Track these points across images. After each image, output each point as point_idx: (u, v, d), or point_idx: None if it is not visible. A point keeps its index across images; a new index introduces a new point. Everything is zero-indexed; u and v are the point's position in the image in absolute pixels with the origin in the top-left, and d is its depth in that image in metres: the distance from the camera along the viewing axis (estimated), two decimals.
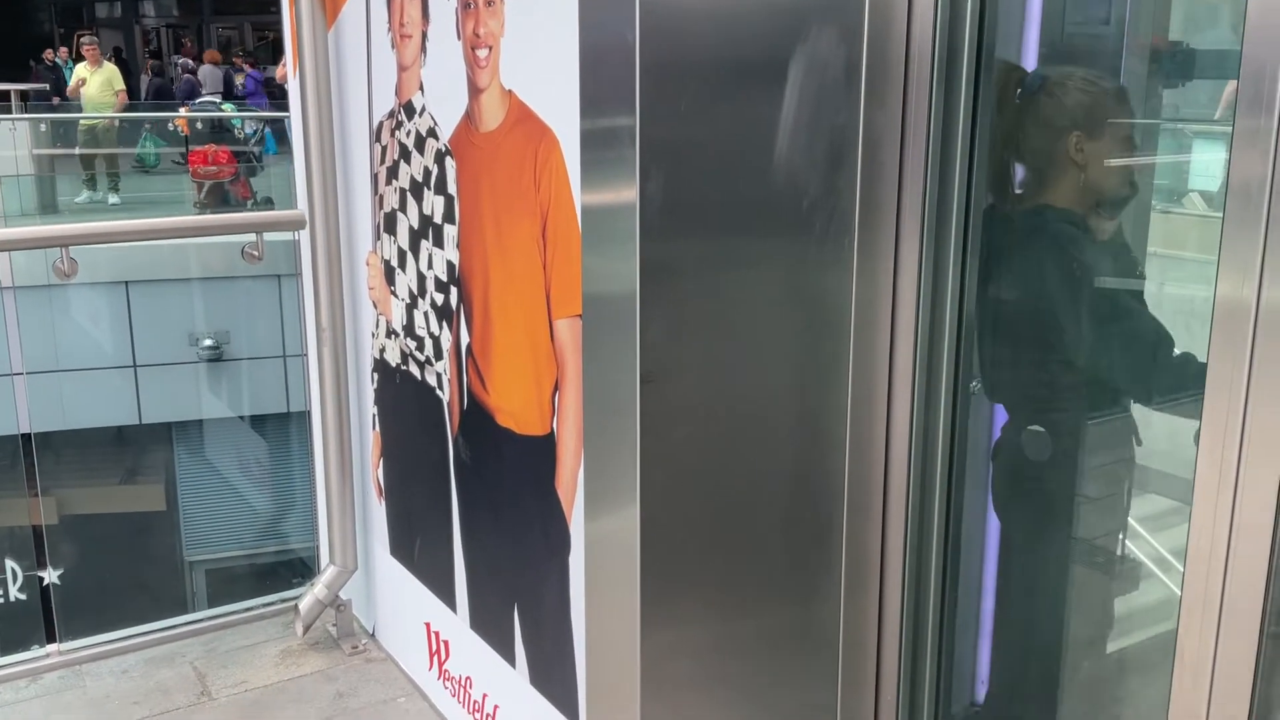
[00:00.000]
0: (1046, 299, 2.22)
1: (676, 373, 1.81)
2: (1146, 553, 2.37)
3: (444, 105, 2.48)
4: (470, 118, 2.37)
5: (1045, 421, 2.18)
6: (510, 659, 2.51)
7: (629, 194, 1.73)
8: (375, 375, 3.07)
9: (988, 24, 1.89)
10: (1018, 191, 2.16)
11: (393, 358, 2.92)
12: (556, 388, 2.17)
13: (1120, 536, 2.33)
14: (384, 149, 2.81)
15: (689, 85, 1.74)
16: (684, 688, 1.93)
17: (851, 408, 1.98)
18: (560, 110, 2.08)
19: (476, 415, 2.49)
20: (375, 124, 2.85)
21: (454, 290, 2.52)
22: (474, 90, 2.34)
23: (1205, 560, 1.57)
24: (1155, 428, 2.26)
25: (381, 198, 2.85)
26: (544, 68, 2.12)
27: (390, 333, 2.91)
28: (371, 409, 3.13)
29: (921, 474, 2.03)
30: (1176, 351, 2.03)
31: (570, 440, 2.15)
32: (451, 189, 2.47)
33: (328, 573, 3.32)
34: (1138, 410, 2.21)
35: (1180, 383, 1.97)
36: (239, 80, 16.25)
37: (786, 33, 1.80)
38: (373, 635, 3.40)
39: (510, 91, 2.23)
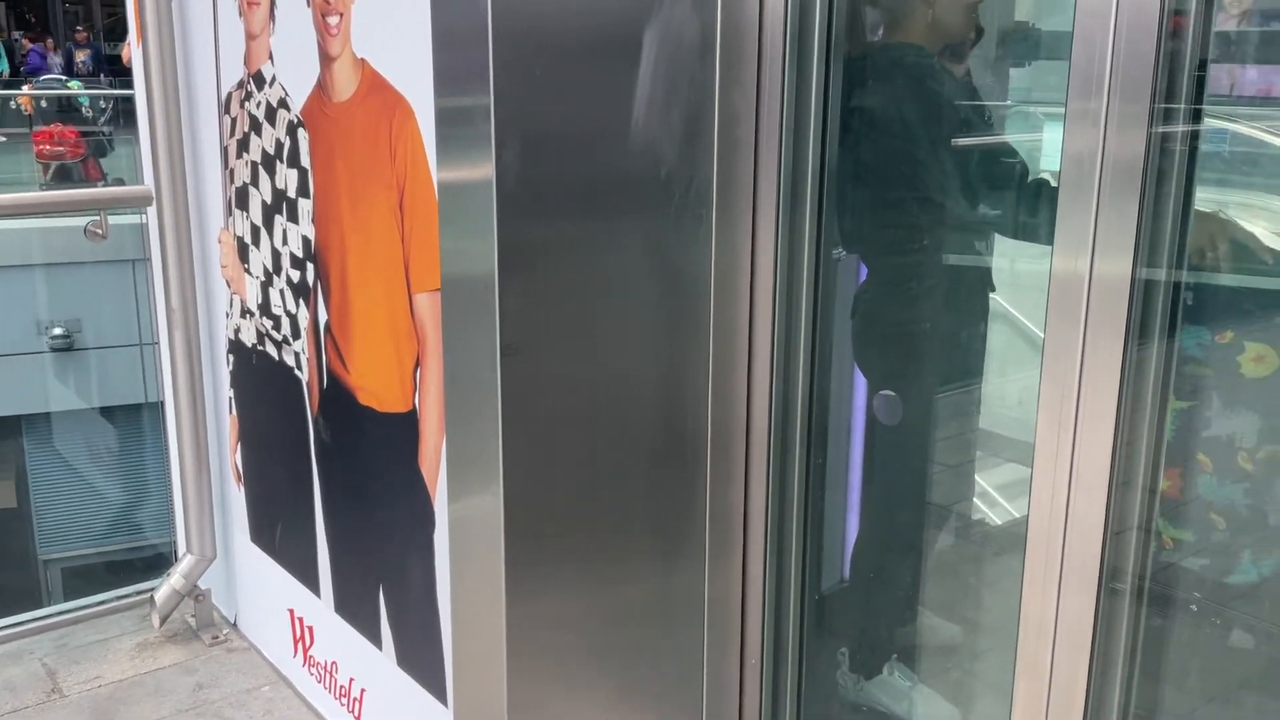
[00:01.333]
0: (902, 280, 2.28)
1: (538, 345, 1.80)
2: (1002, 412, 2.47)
3: (295, 75, 2.40)
4: (323, 87, 2.30)
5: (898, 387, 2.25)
6: (376, 641, 2.47)
7: (485, 170, 1.71)
8: (231, 357, 2.97)
9: None
10: (873, 153, 2.21)
11: (248, 338, 2.83)
12: (418, 364, 2.13)
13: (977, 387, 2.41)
14: (234, 121, 2.71)
15: (544, 60, 1.73)
16: (552, 660, 1.93)
17: (713, 374, 2.00)
18: (414, 79, 2.03)
19: (336, 394, 2.43)
20: (224, 95, 2.74)
21: (310, 266, 2.45)
22: (325, 59, 2.27)
23: (1046, 521, 1.64)
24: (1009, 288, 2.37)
25: (232, 172, 2.75)
26: (397, 36, 2.07)
27: (245, 312, 2.82)
28: (228, 392, 3.03)
29: (782, 436, 2.07)
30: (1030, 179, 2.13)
31: (432, 416, 2.11)
32: (305, 162, 2.40)
33: (185, 562, 3.21)
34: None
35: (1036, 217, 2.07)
36: (79, 57, 15.48)
37: (640, 7, 1.79)
38: (234, 625, 3.30)
39: (363, 60, 2.17)
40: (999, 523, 2.59)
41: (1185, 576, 2.03)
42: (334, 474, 2.53)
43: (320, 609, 2.71)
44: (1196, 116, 1.56)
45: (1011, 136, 2.43)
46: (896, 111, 2.14)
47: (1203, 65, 1.53)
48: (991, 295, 2.35)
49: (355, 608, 2.55)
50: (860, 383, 2.33)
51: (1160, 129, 1.48)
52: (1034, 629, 1.69)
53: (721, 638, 2.12)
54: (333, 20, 2.22)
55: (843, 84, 2.00)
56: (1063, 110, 1.54)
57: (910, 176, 2.18)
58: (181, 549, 3.27)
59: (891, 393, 2.22)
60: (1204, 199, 2.11)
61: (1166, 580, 2.01)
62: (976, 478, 2.68)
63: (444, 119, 1.83)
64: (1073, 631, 1.65)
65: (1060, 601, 1.66)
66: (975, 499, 2.64)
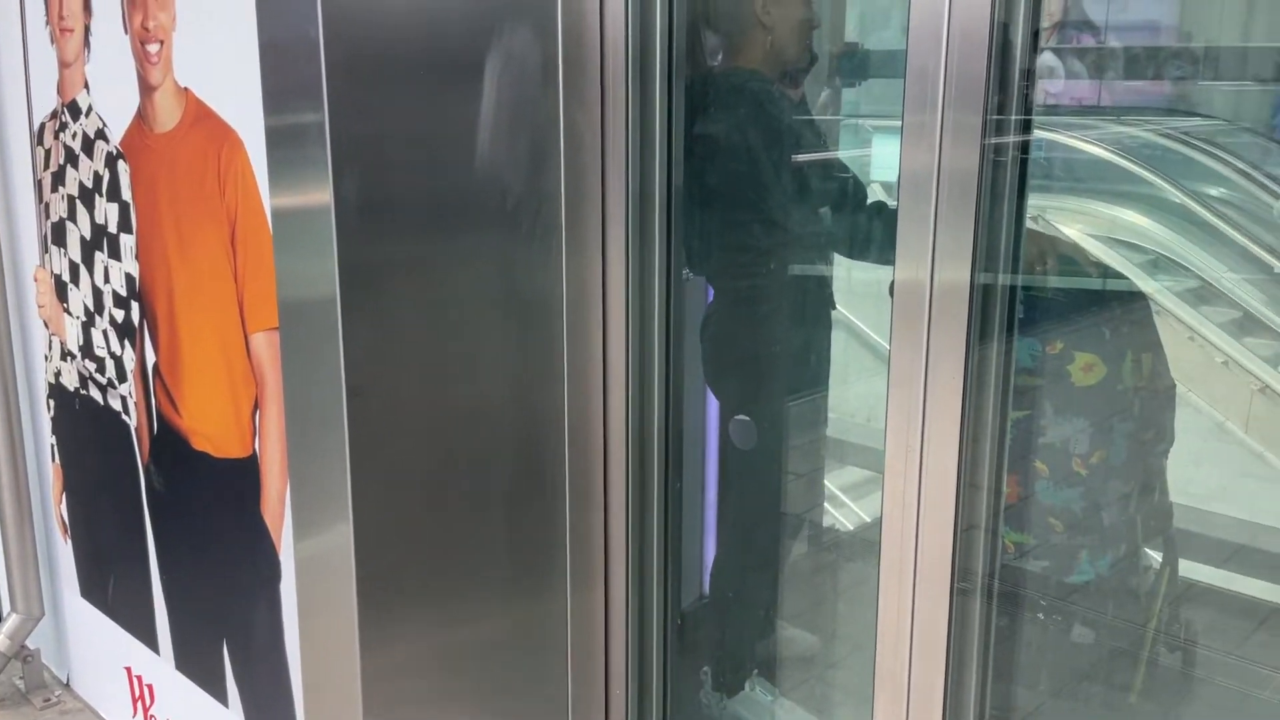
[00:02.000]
0: (751, 293, 2.31)
1: (386, 380, 1.74)
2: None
3: (113, 104, 2.27)
4: (143, 118, 2.18)
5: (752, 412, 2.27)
6: (222, 698, 2.34)
7: (322, 195, 1.64)
8: (51, 402, 2.78)
9: (677, 15, 1.93)
10: (715, 177, 2.23)
11: (70, 381, 2.65)
12: (256, 406, 2.03)
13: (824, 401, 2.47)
14: (48, 153, 2.54)
15: (381, 81, 1.67)
16: (411, 706, 1.86)
17: (569, 402, 1.98)
18: (243, 109, 1.94)
19: (169, 440, 2.30)
20: (37, 126, 2.58)
21: (135, 305, 2.32)
22: (146, 88, 2.16)
23: (899, 528, 1.67)
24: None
25: (48, 206, 2.59)
26: (222, 63, 1.98)
27: (65, 354, 2.65)
28: (49, 439, 2.84)
29: (640, 459, 2.06)
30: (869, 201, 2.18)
31: (274, 461, 2.02)
32: (126, 195, 2.27)
33: (10, 621, 2.99)
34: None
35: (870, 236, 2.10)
36: None
37: (480, 29, 1.76)
38: (67, 685, 3.09)
39: (186, 89, 2.07)
40: (854, 533, 2.64)
41: (1030, 578, 2.11)
42: (169, 524, 2.39)
43: (160, 666, 2.56)
44: (1026, 127, 1.63)
45: (849, 154, 2.50)
46: (736, 135, 2.17)
47: (1029, 77, 1.60)
48: (834, 312, 2.40)
49: (197, 664, 2.41)
50: (714, 401, 2.35)
51: (993, 140, 1.53)
52: (891, 634, 1.72)
53: (585, 667, 2.09)
54: (153, 48, 2.11)
55: (685, 108, 2.02)
56: (899, 125, 1.59)
57: (750, 199, 2.21)
58: (5, 608, 3.05)
59: (745, 417, 2.24)
60: (1036, 206, 2.21)
61: (1015, 582, 2.08)
62: (830, 490, 2.73)
63: (275, 140, 1.75)
64: (928, 636, 1.69)
65: (915, 607, 1.69)
66: (829, 512, 2.69)
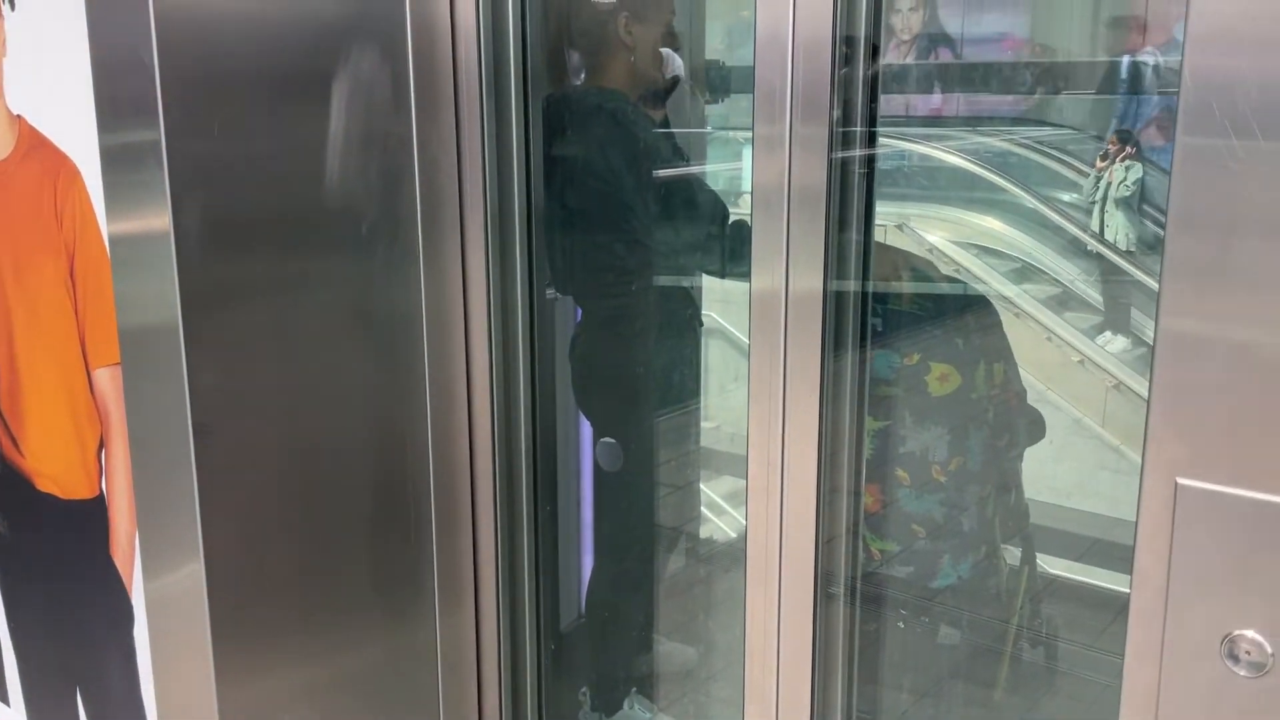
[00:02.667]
0: (617, 311, 2.31)
1: (236, 413, 1.68)
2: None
3: None
4: None
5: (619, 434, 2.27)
6: None
7: (160, 220, 1.58)
8: None
9: (531, 35, 1.92)
10: (576, 196, 2.23)
11: None
12: (102, 445, 1.95)
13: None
14: None
15: (220, 101, 1.62)
16: None
17: (432, 426, 1.94)
18: (80, 136, 1.86)
19: (11, 482, 2.19)
20: None
21: None
22: None
23: (763, 539, 1.68)
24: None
25: None
26: (57, 90, 1.89)
27: None
28: None
29: (508, 481, 2.04)
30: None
31: (123, 501, 1.94)
32: None
33: None
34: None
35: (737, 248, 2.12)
36: None
37: (324, 48, 1.72)
38: None
39: (19, 117, 1.97)
40: (731, 543, 2.66)
41: (895, 585, 2.15)
42: (14, 568, 2.28)
43: (11, 718, 2.43)
44: (872, 138, 1.66)
45: (716, 169, 2.53)
46: (596, 154, 2.17)
47: (875, 88, 1.63)
48: (707, 325, 2.42)
49: (51, 715, 2.30)
50: (585, 421, 2.34)
51: (840, 152, 1.55)
52: (758, 647, 1.73)
53: (457, 692, 2.05)
54: None
55: (544, 128, 2.01)
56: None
57: (612, 217, 2.21)
58: None
59: (611, 440, 2.23)
60: (887, 214, 2.25)
61: (880, 589, 2.12)
62: (712, 499, 2.75)
63: (111, 164, 1.68)
64: (793, 646, 1.70)
65: (781, 618, 1.71)
66: (709, 523, 2.71)
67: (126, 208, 1.67)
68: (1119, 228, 3.40)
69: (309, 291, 1.77)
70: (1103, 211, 3.42)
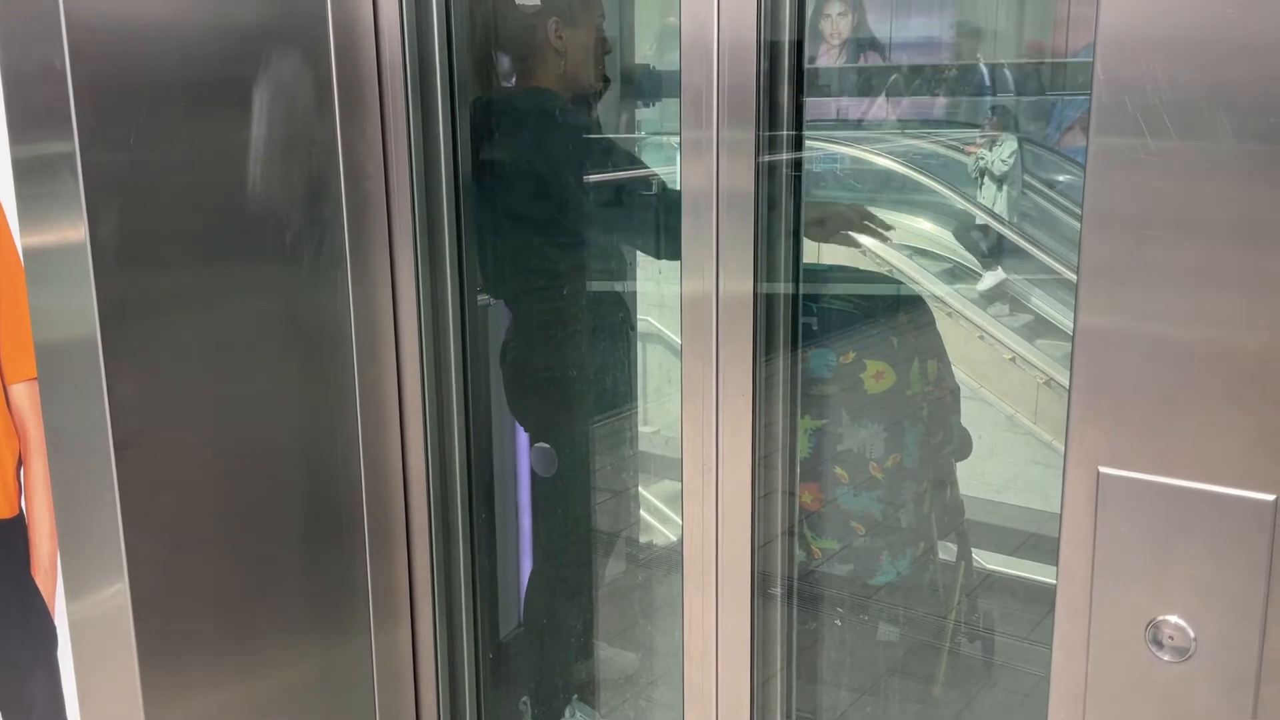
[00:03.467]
0: (547, 316, 2.30)
1: (159, 427, 1.64)
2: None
3: None
4: None
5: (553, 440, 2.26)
6: None
7: (76, 232, 1.54)
8: None
9: (457, 39, 1.91)
10: (506, 200, 2.22)
11: None
12: (20, 463, 1.89)
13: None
14: None
15: (139, 110, 1.58)
16: None
17: (364, 436, 1.92)
18: None
19: None
20: None
21: None
22: None
23: (699, 545, 1.68)
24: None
25: None
26: None
27: None
28: None
29: (442, 492, 2.02)
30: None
31: (44, 520, 1.89)
32: None
33: None
34: None
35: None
36: None
37: (243, 55, 1.69)
38: None
39: None
40: (664, 550, 2.66)
41: (835, 582, 2.16)
42: None
43: None
44: (798, 142, 1.67)
45: (648, 173, 2.52)
46: (525, 157, 2.16)
47: (800, 92, 1.64)
48: (634, 334, 2.41)
49: None
50: (520, 428, 2.32)
51: (767, 156, 1.56)
52: (697, 649, 1.73)
53: (394, 707, 2.03)
54: None
55: (472, 132, 1.99)
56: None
57: (542, 221, 2.20)
58: None
59: (546, 445, 2.22)
60: (815, 218, 2.26)
61: (820, 588, 2.13)
62: (652, 503, 2.74)
63: (23, 175, 1.63)
64: (732, 648, 1.70)
65: (719, 621, 1.71)
66: (648, 527, 2.70)
67: (41, 220, 1.63)
68: (998, 200, 3.52)
69: (232, 302, 1.73)
70: (980, 187, 3.53)
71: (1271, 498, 0.93)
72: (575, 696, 2.38)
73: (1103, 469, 1.00)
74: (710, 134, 1.56)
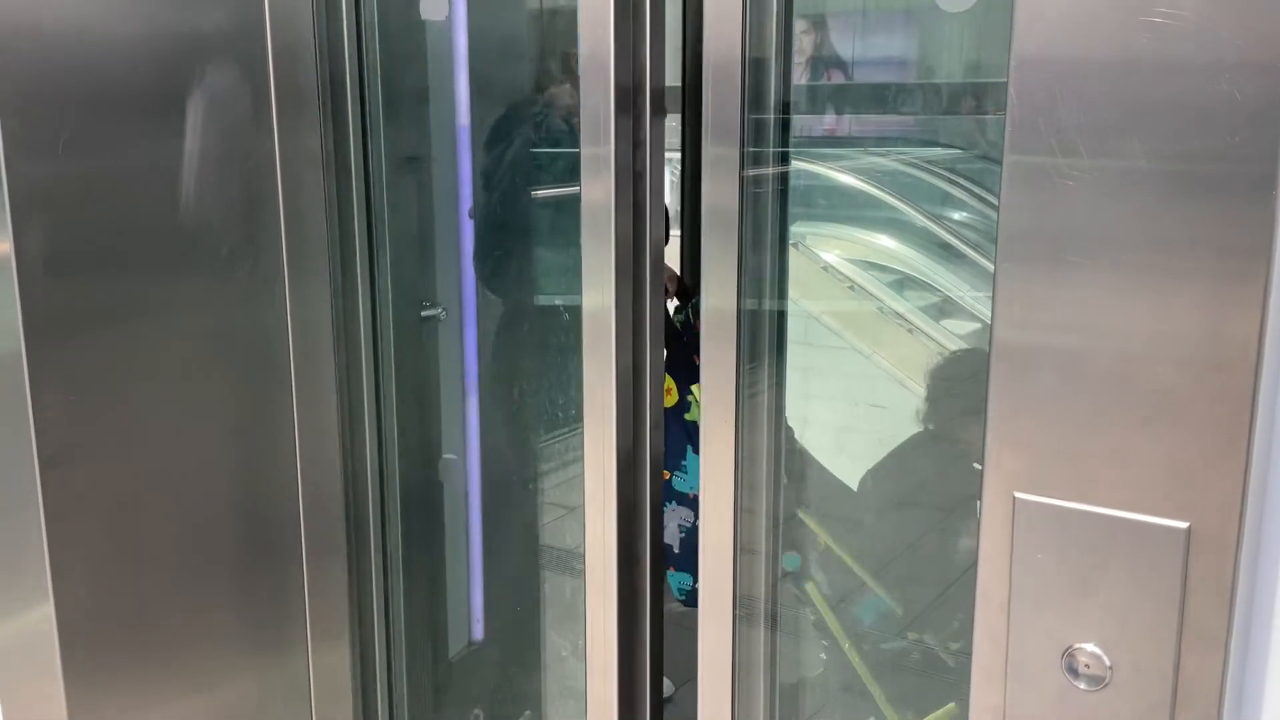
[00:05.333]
0: (500, 325, 2.28)
1: (88, 442, 1.61)
2: None
3: None
4: None
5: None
6: None
7: (0, 245, 1.51)
8: None
9: (396, 46, 1.89)
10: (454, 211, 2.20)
11: None
12: None
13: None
14: None
15: (68, 122, 1.55)
16: None
17: (301, 454, 1.89)
18: None
19: None
20: None
21: None
22: None
23: (600, 553, 1.67)
24: None
25: None
26: None
27: None
28: None
29: (382, 508, 1.99)
30: None
31: None
32: None
33: None
34: None
35: None
36: None
37: (175, 66, 1.66)
38: None
39: None
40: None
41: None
42: None
43: None
44: (784, 158, 1.64)
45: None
46: (484, 166, 2.14)
47: (785, 109, 1.61)
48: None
49: None
50: (473, 444, 2.30)
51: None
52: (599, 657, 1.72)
53: None
54: None
55: (419, 143, 1.98)
56: None
57: (491, 231, 2.18)
58: None
59: (452, 456, 2.19)
60: (795, 232, 2.25)
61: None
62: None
63: None
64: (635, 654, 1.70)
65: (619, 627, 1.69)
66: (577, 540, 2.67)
67: None
68: None
69: (165, 316, 1.70)
70: None
71: (1185, 525, 0.92)
72: (528, 711, 2.36)
73: (1019, 494, 0.98)
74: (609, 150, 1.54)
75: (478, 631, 2.33)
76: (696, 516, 2.46)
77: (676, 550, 2.44)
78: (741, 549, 1.59)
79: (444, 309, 2.19)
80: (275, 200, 1.80)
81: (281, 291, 1.83)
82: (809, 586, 2.01)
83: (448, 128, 2.13)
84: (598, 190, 1.51)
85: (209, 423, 1.77)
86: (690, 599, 2.47)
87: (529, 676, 2.41)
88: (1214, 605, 0.92)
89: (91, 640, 1.64)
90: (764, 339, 1.66)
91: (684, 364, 2.69)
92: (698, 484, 2.43)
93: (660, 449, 1.70)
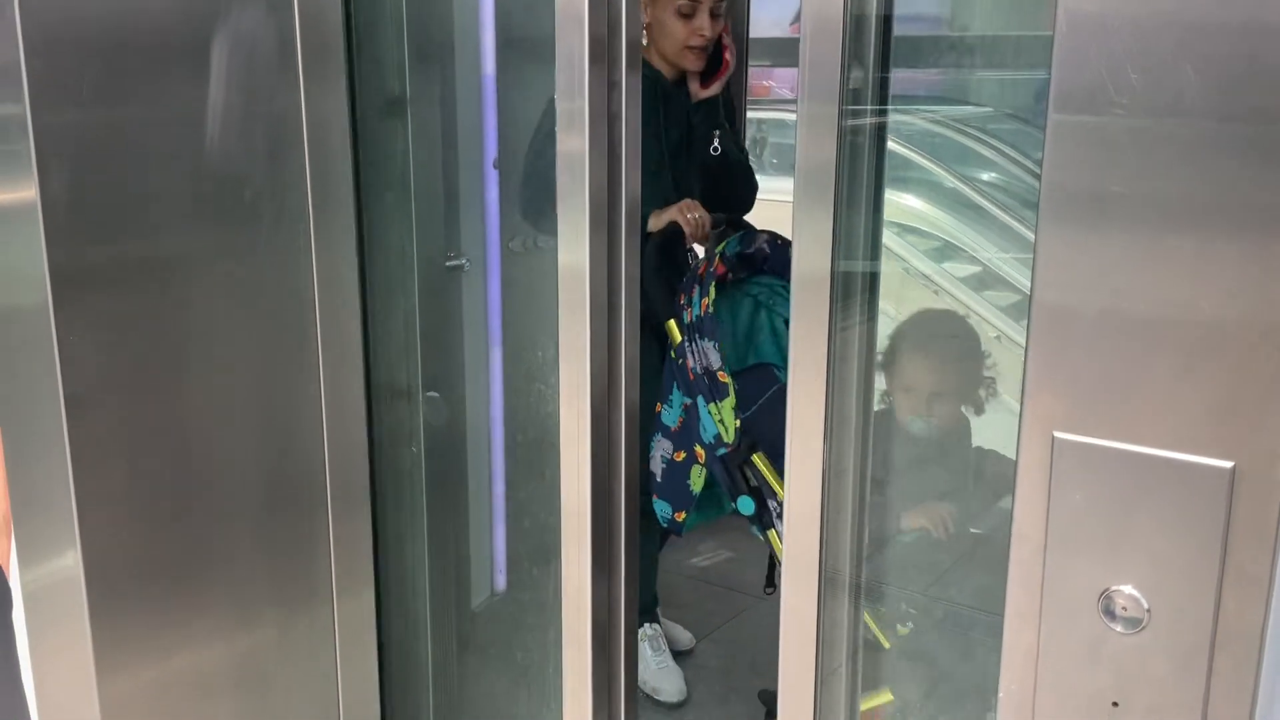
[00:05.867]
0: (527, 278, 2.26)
1: (113, 390, 1.61)
2: None
3: None
4: None
5: None
6: None
7: (27, 193, 1.51)
8: None
9: None
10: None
11: None
12: None
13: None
14: None
15: (93, 67, 1.54)
16: None
17: (326, 401, 1.88)
18: None
19: None
20: None
21: None
22: None
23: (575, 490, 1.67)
24: None
25: None
26: None
27: None
28: None
29: (413, 456, 1.99)
30: None
31: None
32: None
33: None
34: None
35: None
36: None
37: (201, 9, 1.65)
38: None
39: None
40: None
41: None
42: None
43: None
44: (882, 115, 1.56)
45: None
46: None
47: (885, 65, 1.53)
48: None
49: None
50: (497, 392, 2.28)
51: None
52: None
53: (358, 677, 2.00)
54: None
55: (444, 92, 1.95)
56: None
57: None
58: None
59: (434, 394, 2.16)
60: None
61: None
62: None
63: None
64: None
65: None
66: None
67: None
68: None
69: (189, 260, 1.69)
70: None
71: (1229, 465, 0.90)
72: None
73: (1058, 434, 0.96)
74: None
75: (500, 582, 2.33)
76: (675, 449, 2.45)
77: (659, 479, 2.44)
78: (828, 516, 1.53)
79: (468, 259, 2.17)
80: (300, 146, 1.79)
81: (307, 239, 1.82)
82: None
83: (473, 77, 2.11)
84: (574, 141, 1.50)
85: (234, 370, 1.77)
86: (672, 526, 2.47)
87: (550, 626, 2.41)
88: (1258, 546, 0.90)
89: (118, 585, 1.64)
90: (855, 298, 1.60)
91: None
92: (676, 420, 2.41)
93: (636, 394, 1.69)
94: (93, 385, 1.58)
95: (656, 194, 2.46)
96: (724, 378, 2.25)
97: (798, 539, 1.43)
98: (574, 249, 1.56)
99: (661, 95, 2.46)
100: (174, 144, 1.64)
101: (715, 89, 2.36)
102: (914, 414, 1.80)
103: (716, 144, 2.36)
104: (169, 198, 1.65)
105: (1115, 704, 0.96)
